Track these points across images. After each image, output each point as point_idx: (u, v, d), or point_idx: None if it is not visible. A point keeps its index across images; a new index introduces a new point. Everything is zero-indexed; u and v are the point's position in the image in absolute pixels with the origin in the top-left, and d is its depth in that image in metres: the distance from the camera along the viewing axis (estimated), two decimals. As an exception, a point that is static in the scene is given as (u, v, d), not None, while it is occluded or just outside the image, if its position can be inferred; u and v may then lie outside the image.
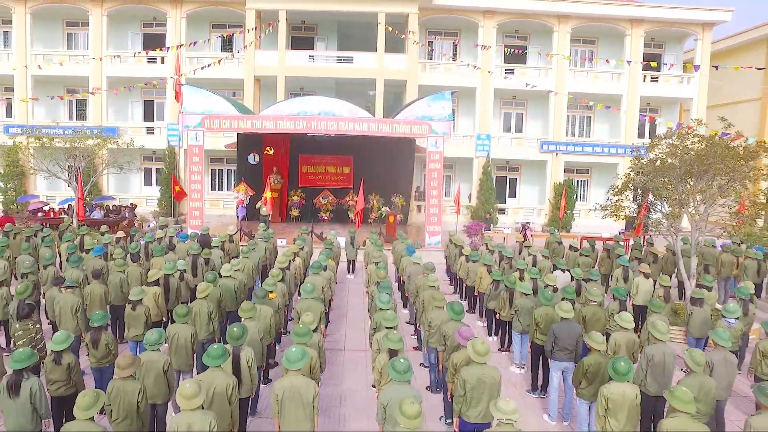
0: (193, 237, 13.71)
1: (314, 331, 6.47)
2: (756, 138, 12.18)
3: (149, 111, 28.25)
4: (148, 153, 27.27)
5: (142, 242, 12.84)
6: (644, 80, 26.44)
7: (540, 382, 8.08)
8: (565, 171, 26.73)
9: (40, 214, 22.09)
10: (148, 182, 28.39)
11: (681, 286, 12.67)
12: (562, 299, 7.80)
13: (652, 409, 6.39)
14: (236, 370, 5.82)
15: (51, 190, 26.72)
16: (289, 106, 18.49)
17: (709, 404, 5.78)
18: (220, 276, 9.33)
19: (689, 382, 5.68)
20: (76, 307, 8.09)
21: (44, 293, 9.54)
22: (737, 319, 8.14)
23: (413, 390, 5.13)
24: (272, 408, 5.16)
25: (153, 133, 26.92)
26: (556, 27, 25.86)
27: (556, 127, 26.14)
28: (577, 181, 27.62)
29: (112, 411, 5.28)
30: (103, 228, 14.58)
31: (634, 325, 7.06)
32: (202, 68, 23.01)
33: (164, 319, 9.00)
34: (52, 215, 22.38)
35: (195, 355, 7.08)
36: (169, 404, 6.35)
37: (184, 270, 10.07)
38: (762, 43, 27.51)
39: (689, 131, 11.50)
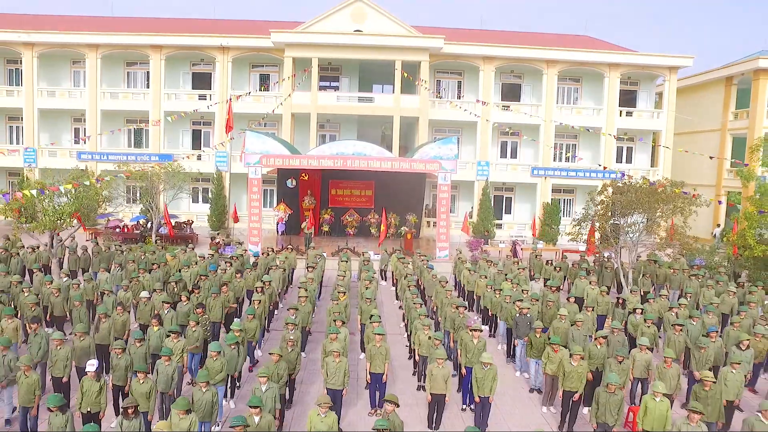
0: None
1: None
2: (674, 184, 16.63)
3: (197, 138, 33.06)
4: (195, 175, 31.97)
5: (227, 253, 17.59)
6: (620, 114, 31.06)
7: (512, 353, 12.82)
8: (553, 191, 31.40)
9: (117, 230, 26.80)
10: (195, 200, 33.17)
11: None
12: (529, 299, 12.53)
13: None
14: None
15: (111, 207, 31.45)
16: (329, 147, 23.23)
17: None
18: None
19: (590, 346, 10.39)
20: (224, 303, 12.80)
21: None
22: (642, 312, 12.76)
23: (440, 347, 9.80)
24: (366, 357, 9.82)
25: (200, 158, 31.66)
26: (546, 70, 30.53)
27: (545, 155, 30.79)
28: (564, 200, 32.28)
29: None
30: (191, 244, 19.35)
31: (569, 315, 11.73)
32: (263, 122, 27.51)
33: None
34: (125, 230, 27.09)
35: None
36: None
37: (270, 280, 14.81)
38: (720, 82, 32.15)
39: (628, 180, 16.16)
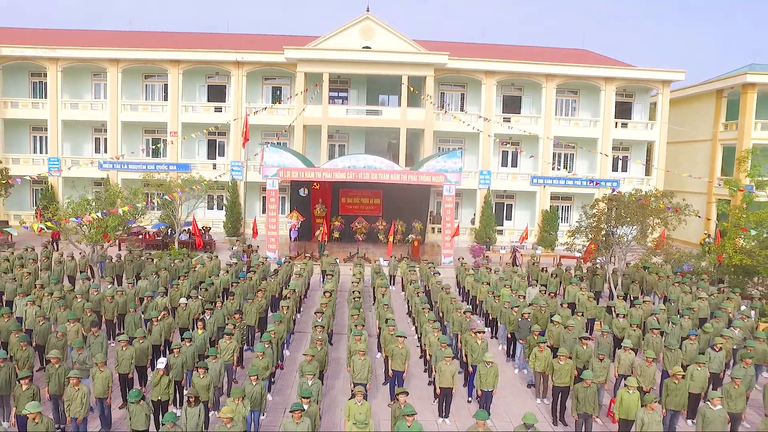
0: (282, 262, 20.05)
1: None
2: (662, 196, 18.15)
3: (212, 147, 34.69)
4: (212, 184, 33.53)
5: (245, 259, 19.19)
6: (616, 126, 32.62)
7: (511, 353, 14.41)
8: (552, 198, 32.97)
9: (140, 236, 28.37)
10: (210, 207, 34.79)
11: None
12: (528, 304, 14.13)
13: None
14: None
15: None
16: (341, 161, 24.84)
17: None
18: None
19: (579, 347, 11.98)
20: (259, 308, 14.39)
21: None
22: (625, 316, 14.35)
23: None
24: (389, 356, 11.43)
25: (216, 168, 33.26)
26: (545, 83, 32.11)
27: (544, 164, 32.36)
28: (562, 207, 33.86)
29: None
30: (216, 252, 20.95)
31: (562, 320, 13.32)
32: (278, 136, 29.10)
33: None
34: (147, 237, 28.68)
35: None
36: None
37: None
38: (711, 95, 33.71)
39: (618, 196, 17.75)
